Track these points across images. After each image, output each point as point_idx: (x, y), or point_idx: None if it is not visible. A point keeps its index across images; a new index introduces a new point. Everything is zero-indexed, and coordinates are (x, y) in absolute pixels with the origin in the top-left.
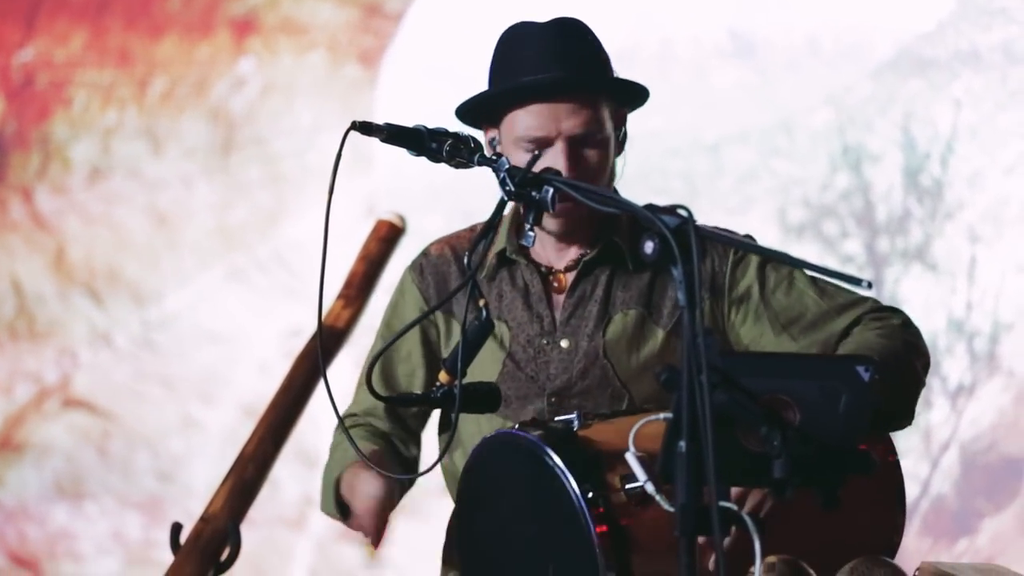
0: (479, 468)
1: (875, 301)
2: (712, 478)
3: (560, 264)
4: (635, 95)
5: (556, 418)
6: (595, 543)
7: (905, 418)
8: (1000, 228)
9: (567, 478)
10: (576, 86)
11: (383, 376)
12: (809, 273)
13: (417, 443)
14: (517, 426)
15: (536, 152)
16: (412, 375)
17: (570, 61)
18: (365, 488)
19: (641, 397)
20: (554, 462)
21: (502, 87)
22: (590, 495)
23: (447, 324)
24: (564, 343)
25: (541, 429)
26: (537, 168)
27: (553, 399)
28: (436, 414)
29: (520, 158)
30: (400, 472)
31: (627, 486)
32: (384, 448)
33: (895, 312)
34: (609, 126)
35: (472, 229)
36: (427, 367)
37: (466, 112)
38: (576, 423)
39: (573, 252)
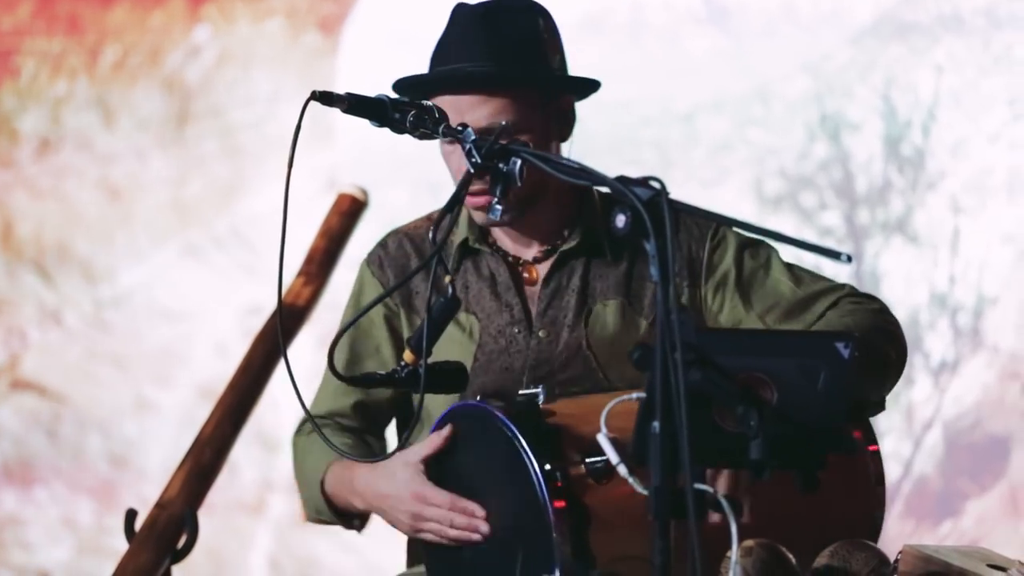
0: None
1: (852, 288)
2: (686, 459)
3: (528, 254)
4: (568, 83)
5: (520, 391)
6: (551, 517)
7: (875, 406)
8: (984, 198)
9: (525, 451)
10: (478, 79)
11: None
12: (786, 260)
13: (383, 439)
14: (479, 398)
15: (505, 124)
16: (383, 370)
17: (481, 51)
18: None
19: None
20: (513, 434)
21: (412, 79)
22: (547, 468)
23: (409, 320)
24: (542, 333)
25: (504, 401)
26: (454, 163)
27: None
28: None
29: (442, 147)
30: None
31: (587, 460)
32: (354, 445)
33: (873, 299)
34: (533, 116)
35: (429, 218)
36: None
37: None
38: (541, 396)
39: (540, 241)
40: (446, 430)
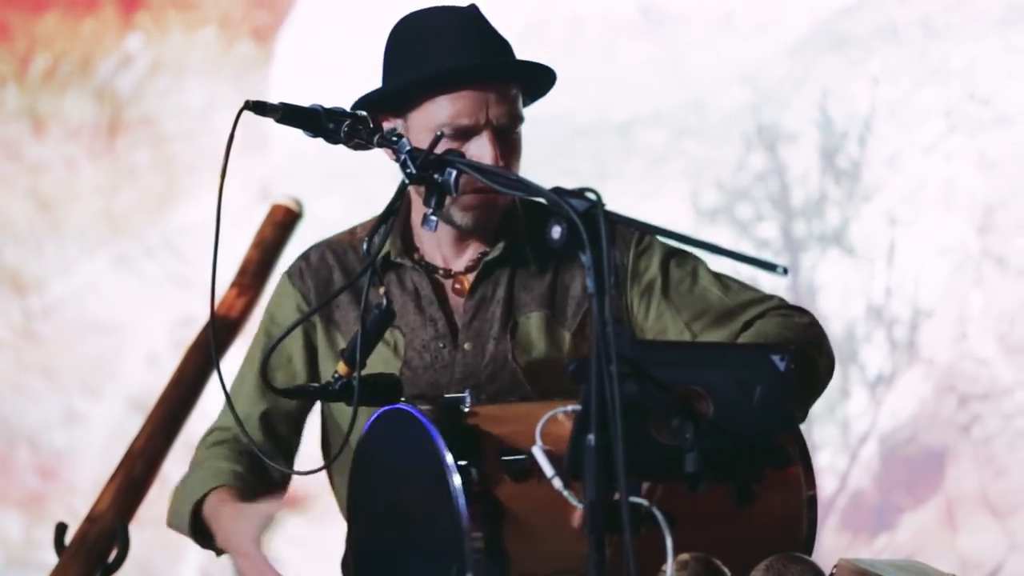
0: (368, 443)
1: (782, 299)
2: (621, 472)
3: (459, 265)
4: (544, 86)
5: (447, 395)
6: (463, 516)
7: (798, 419)
8: (920, 210)
9: (441, 448)
10: (505, 71)
11: (261, 383)
12: (714, 269)
13: (288, 459)
14: (404, 400)
15: (440, 134)
16: (293, 381)
17: (492, 46)
18: (234, 526)
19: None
20: (432, 432)
21: (423, 73)
22: (462, 464)
23: (327, 335)
24: (468, 346)
25: (429, 404)
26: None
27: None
28: (312, 425)
29: (442, 142)
30: (261, 492)
31: (505, 457)
32: (248, 467)
33: (801, 311)
34: (520, 126)
35: (351, 232)
36: (309, 375)
37: (371, 102)
38: (467, 400)
39: (472, 252)
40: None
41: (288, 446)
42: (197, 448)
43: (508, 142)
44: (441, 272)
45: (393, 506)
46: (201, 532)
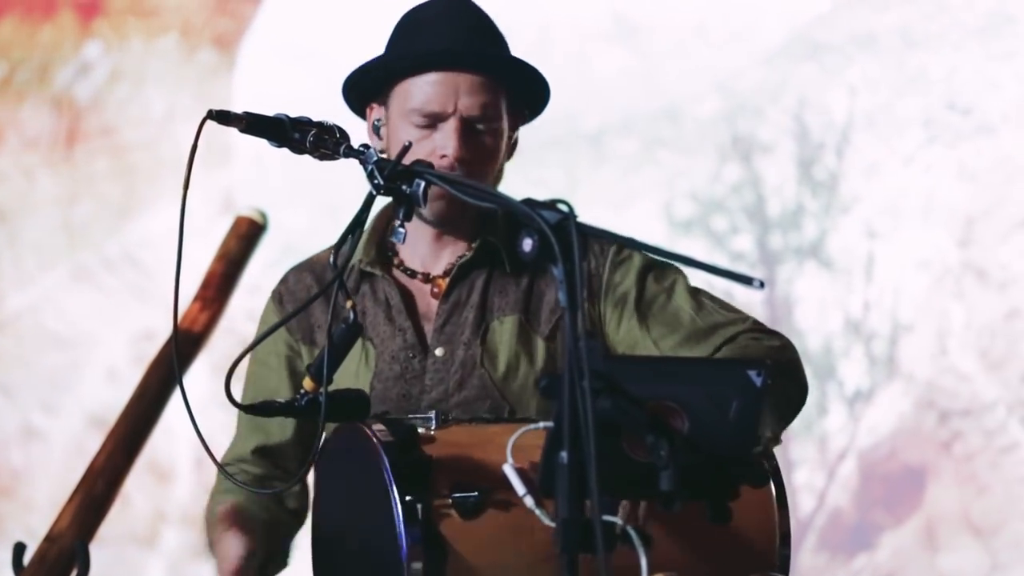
0: (327, 460)
1: (756, 322)
2: (594, 490)
3: (438, 269)
4: (535, 95)
5: (411, 415)
6: (404, 550)
7: (772, 441)
8: (899, 222)
9: (390, 480)
10: (481, 60)
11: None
12: (693, 285)
13: (300, 487)
14: (370, 417)
15: (408, 145)
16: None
17: (476, 34)
18: (224, 550)
19: (522, 409)
20: (383, 462)
21: (398, 53)
22: (408, 499)
23: (312, 357)
24: (439, 351)
25: (384, 425)
26: (425, 147)
27: (431, 413)
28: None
29: (409, 133)
30: (271, 524)
31: (455, 495)
32: (260, 501)
33: (775, 334)
34: (506, 121)
35: (331, 249)
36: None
37: (354, 85)
38: (433, 423)
39: (449, 255)
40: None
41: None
42: (215, 490)
43: (477, 137)
44: (420, 277)
45: (346, 515)
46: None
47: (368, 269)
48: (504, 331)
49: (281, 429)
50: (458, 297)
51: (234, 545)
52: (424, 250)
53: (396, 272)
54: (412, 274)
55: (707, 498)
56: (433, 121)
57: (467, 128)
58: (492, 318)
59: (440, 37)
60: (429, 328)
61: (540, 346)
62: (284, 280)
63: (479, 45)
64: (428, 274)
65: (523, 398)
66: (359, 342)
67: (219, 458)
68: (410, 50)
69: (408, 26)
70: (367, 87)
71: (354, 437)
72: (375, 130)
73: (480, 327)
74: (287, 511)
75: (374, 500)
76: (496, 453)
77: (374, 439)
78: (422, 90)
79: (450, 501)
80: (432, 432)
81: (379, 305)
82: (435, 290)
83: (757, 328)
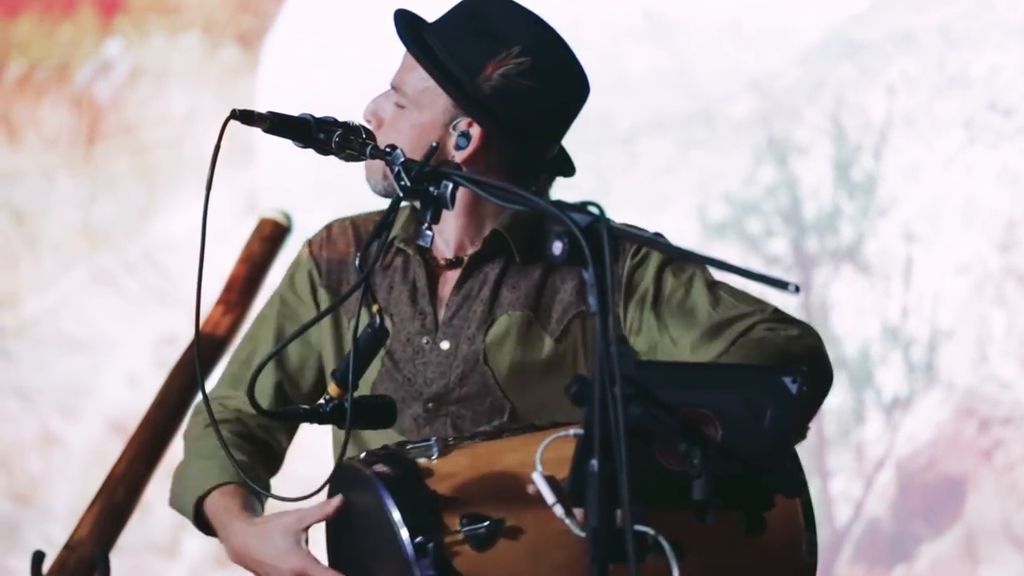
0: (336, 487)
1: (775, 310)
2: (626, 499)
3: (468, 252)
4: (474, 109)
5: (410, 445)
6: None
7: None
8: (938, 226)
9: (396, 523)
10: (406, 33)
11: (274, 363)
12: (712, 279)
13: (288, 433)
14: (363, 455)
15: (435, 146)
16: (310, 352)
17: (440, 24)
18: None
19: (524, 409)
20: (386, 504)
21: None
22: (418, 540)
23: (334, 317)
24: (444, 344)
25: (385, 463)
26: None
27: (430, 405)
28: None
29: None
30: (265, 480)
31: (465, 528)
32: (252, 454)
33: (794, 322)
34: (425, 100)
35: (381, 213)
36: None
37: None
38: (434, 451)
39: (468, 243)
40: (337, 500)
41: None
42: (191, 421)
43: (387, 105)
44: (444, 261)
45: (359, 557)
46: (205, 525)
47: (402, 247)
48: (511, 326)
49: (305, 369)
50: (469, 289)
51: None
52: (450, 236)
53: (427, 255)
54: (427, 260)
55: (741, 508)
56: None
57: (388, 94)
58: (501, 312)
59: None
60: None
61: (548, 345)
62: (328, 227)
63: (421, 26)
64: (449, 260)
65: (524, 397)
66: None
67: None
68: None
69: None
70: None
71: (356, 479)
72: None
73: (486, 321)
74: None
75: (384, 542)
76: (503, 476)
77: (377, 481)
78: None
79: (461, 535)
80: (433, 463)
81: (406, 283)
82: (442, 279)
83: (775, 318)
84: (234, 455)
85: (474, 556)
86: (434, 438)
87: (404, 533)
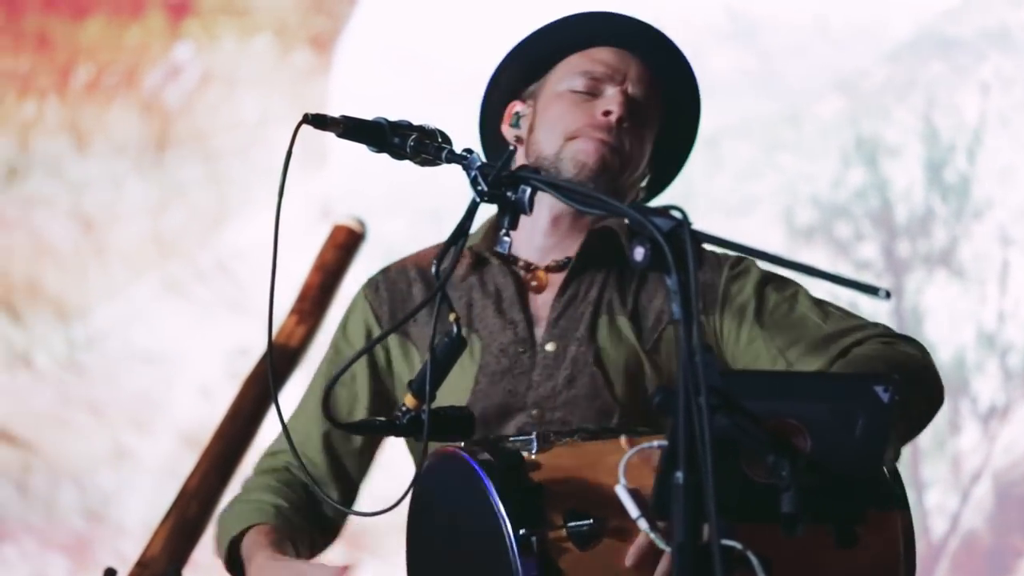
0: (425, 489)
1: (888, 328)
2: (712, 513)
3: (544, 260)
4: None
5: (511, 438)
6: None
7: (892, 458)
8: None
9: (500, 513)
10: (656, 46)
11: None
12: (816, 296)
13: (346, 488)
14: (463, 445)
15: (513, 150)
16: (354, 401)
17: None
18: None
19: (631, 413)
20: (490, 493)
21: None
22: (522, 532)
23: (403, 349)
24: (550, 347)
25: (488, 452)
26: (583, 111)
27: (535, 412)
28: (391, 447)
29: (566, 100)
30: (308, 530)
31: (570, 524)
32: (293, 504)
33: (908, 340)
34: (650, 133)
35: (438, 247)
36: (372, 394)
37: (509, 65)
38: (534, 445)
39: (560, 249)
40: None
41: (352, 474)
42: (254, 468)
43: (633, 120)
44: (523, 267)
45: (450, 553)
46: (238, 568)
47: (485, 255)
48: (619, 330)
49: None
50: (575, 291)
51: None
52: (538, 240)
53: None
54: (518, 264)
55: (832, 522)
56: (597, 86)
57: (628, 105)
58: (607, 316)
59: (611, 18)
60: (536, 323)
61: (641, 357)
62: (385, 270)
63: (656, 34)
64: (530, 265)
65: (633, 401)
66: (464, 332)
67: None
68: (572, 28)
69: (548, 26)
70: (513, 78)
71: (453, 465)
72: (513, 124)
73: (595, 323)
74: (325, 514)
75: (482, 533)
76: (606, 475)
77: (479, 468)
78: (592, 58)
79: (565, 532)
80: (534, 457)
81: (488, 296)
82: (534, 283)
83: (888, 333)
84: (275, 500)
85: (577, 554)
86: (535, 433)
87: (507, 525)
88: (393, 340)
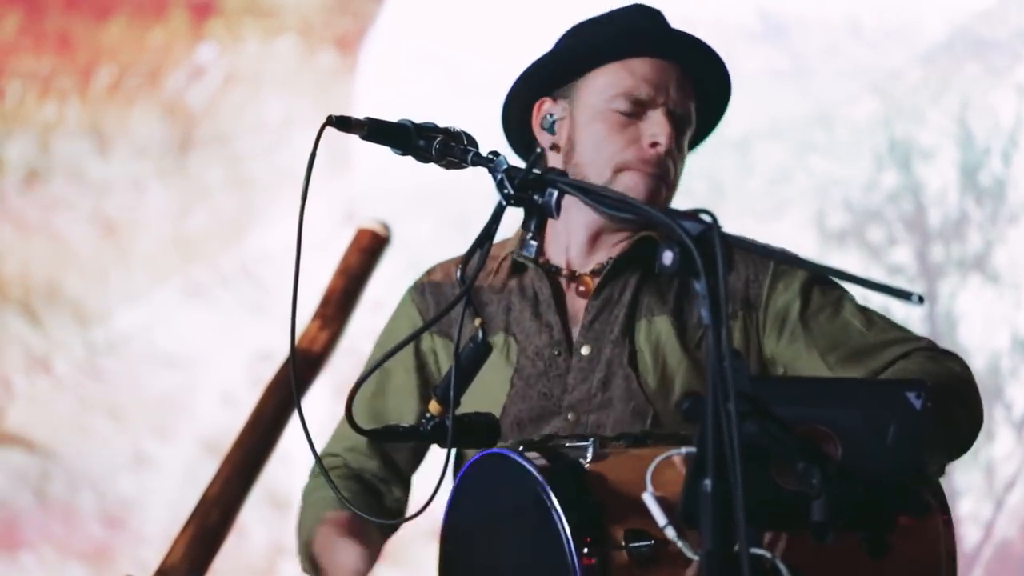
0: (470, 489)
1: (932, 342)
2: (741, 521)
3: (586, 267)
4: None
5: (568, 443)
6: None
7: (935, 473)
8: None
9: (563, 527)
10: (694, 52)
11: (372, 410)
12: (860, 304)
13: (403, 485)
14: (521, 447)
15: (540, 151)
16: (403, 407)
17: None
18: (340, 558)
19: (666, 416)
20: (552, 504)
21: (599, 38)
22: (586, 551)
23: (448, 351)
24: (585, 350)
25: (546, 457)
26: (626, 136)
27: (571, 415)
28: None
29: (607, 121)
30: (378, 519)
31: (632, 544)
32: (359, 493)
33: (953, 356)
34: (687, 139)
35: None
36: (421, 399)
37: (536, 71)
38: (590, 451)
39: (601, 255)
40: None
41: (405, 473)
42: (308, 478)
43: (678, 132)
44: (565, 274)
45: (493, 563)
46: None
47: (520, 259)
48: (654, 331)
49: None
50: (610, 294)
51: (353, 556)
52: (575, 248)
53: (550, 267)
54: (556, 271)
55: (863, 530)
56: (639, 109)
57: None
58: (641, 317)
59: (642, 22)
60: (574, 326)
61: (683, 355)
62: (430, 271)
63: (690, 39)
64: (574, 272)
65: (667, 404)
66: (501, 335)
67: (323, 443)
68: (609, 33)
69: (589, 22)
70: (547, 76)
71: (506, 468)
72: (547, 127)
73: (630, 325)
74: (391, 504)
75: (537, 546)
76: (660, 487)
77: (539, 476)
78: (632, 73)
79: (626, 553)
80: (589, 464)
81: (526, 300)
82: (581, 288)
83: (933, 347)
84: (341, 487)
85: (637, 570)
86: (592, 438)
87: (571, 544)
88: (439, 344)
